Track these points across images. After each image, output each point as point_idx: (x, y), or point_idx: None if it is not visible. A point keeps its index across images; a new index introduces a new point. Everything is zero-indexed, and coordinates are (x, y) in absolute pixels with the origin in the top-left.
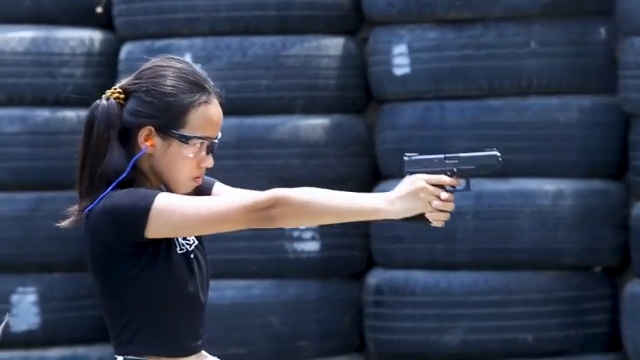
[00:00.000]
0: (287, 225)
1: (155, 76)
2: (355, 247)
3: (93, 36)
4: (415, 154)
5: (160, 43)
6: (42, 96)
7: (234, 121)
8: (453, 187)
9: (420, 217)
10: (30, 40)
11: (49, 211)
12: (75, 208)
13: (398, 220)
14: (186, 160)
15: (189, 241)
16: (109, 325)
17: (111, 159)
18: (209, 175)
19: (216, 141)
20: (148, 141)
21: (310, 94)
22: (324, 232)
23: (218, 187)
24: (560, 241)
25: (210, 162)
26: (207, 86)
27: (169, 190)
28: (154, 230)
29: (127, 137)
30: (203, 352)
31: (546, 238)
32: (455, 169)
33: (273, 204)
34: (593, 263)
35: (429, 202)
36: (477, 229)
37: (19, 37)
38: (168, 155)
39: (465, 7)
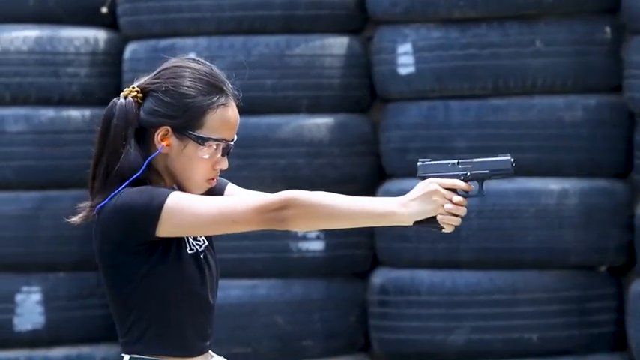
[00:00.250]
0: (299, 228)
1: (174, 76)
2: (360, 246)
3: (97, 35)
4: (428, 159)
5: (164, 42)
6: (46, 95)
7: None
8: (466, 191)
9: (432, 221)
10: (34, 40)
11: (53, 211)
12: (86, 204)
13: (409, 225)
14: (201, 161)
15: (199, 241)
16: (116, 323)
17: (127, 157)
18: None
19: (232, 143)
20: (164, 141)
21: (315, 93)
22: (329, 231)
23: (230, 188)
24: (565, 240)
25: (225, 164)
26: (225, 88)
27: (183, 190)
28: (165, 229)
29: (143, 136)
30: (210, 352)
31: (551, 237)
32: (468, 174)
33: (285, 205)
34: (598, 263)
35: (442, 206)
36: (482, 228)
37: (23, 36)
38: (184, 156)
39: (469, 7)
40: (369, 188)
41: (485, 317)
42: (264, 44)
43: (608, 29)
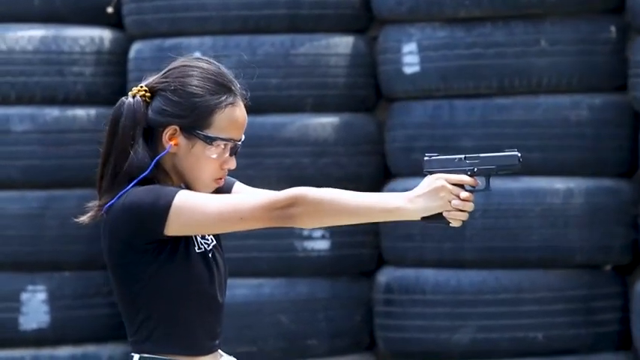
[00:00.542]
0: (306, 225)
1: (182, 75)
2: (365, 245)
3: (102, 35)
4: (435, 154)
5: (169, 41)
6: (52, 95)
7: None
8: (473, 186)
9: (439, 217)
10: (40, 39)
11: (58, 210)
12: (94, 203)
13: (416, 220)
14: (209, 160)
15: (207, 240)
16: (125, 322)
17: (136, 156)
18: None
19: (239, 143)
20: (172, 140)
21: (320, 92)
22: (334, 230)
23: (238, 186)
24: (571, 239)
25: (233, 164)
26: (233, 88)
27: (190, 189)
28: (173, 228)
29: (151, 135)
30: (220, 351)
31: (556, 236)
32: (475, 169)
33: (293, 202)
34: (604, 262)
35: (449, 201)
36: (487, 227)
37: (28, 35)
38: (192, 155)
39: (474, 6)
40: (374, 187)
41: (490, 316)
42: (270, 43)
43: (613, 29)
